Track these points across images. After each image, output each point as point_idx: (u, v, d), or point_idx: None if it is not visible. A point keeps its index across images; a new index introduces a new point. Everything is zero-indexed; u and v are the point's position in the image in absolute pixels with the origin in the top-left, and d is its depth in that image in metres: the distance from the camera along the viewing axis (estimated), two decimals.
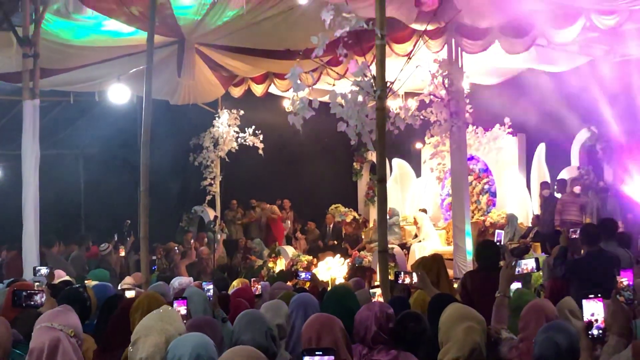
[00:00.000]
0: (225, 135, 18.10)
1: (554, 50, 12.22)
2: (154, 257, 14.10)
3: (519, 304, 4.84)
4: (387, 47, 6.89)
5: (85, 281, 8.06)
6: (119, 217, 16.33)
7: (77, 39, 12.44)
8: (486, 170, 16.09)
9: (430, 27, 10.52)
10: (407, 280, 5.69)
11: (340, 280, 12.87)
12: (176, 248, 14.73)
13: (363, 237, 16.39)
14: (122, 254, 14.14)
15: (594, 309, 3.45)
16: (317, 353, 3.02)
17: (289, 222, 18.81)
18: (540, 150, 15.71)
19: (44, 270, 7.78)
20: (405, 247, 14.90)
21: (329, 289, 7.31)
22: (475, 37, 11.16)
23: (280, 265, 15.47)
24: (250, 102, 17.65)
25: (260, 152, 17.64)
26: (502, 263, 5.84)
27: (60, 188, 17.36)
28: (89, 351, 4.61)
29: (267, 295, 7.12)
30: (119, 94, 14.11)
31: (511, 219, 14.34)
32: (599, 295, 3.48)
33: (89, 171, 20.31)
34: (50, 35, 11.84)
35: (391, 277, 6.60)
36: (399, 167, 17.96)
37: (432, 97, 11.50)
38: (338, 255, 14.44)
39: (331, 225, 17.70)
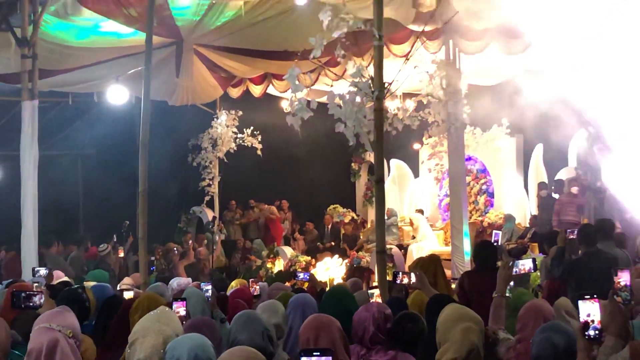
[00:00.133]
0: (223, 136, 18.10)
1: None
2: (153, 258, 14.09)
3: (518, 304, 4.85)
4: (385, 48, 6.91)
5: (84, 282, 8.07)
6: (118, 217, 16.32)
7: (76, 40, 12.44)
8: (484, 170, 16.12)
9: (427, 28, 10.53)
10: (406, 281, 5.71)
11: (338, 280, 12.87)
12: (175, 249, 14.73)
13: (361, 236, 16.40)
14: (121, 254, 14.13)
15: (590, 310, 3.45)
16: (314, 353, 3.01)
17: (287, 222, 18.82)
18: (538, 150, 15.74)
19: (42, 271, 7.79)
20: (403, 247, 14.92)
21: (327, 289, 7.32)
22: (473, 38, 11.17)
23: (279, 265, 15.47)
24: (249, 103, 17.65)
25: (259, 152, 17.65)
26: (499, 263, 5.86)
27: (59, 188, 17.36)
28: (88, 352, 4.62)
29: (266, 296, 7.13)
30: (117, 94, 14.15)
31: (509, 219, 14.37)
32: (595, 295, 3.49)
33: (87, 172, 20.30)
34: (49, 36, 11.83)
35: (389, 278, 6.63)
36: (397, 167, 17.98)
37: (430, 97, 11.49)
38: (336, 256, 14.45)
39: (329, 226, 17.71)
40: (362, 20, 6.28)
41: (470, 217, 14.29)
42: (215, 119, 18.20)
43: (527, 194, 15.52)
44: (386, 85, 6.24)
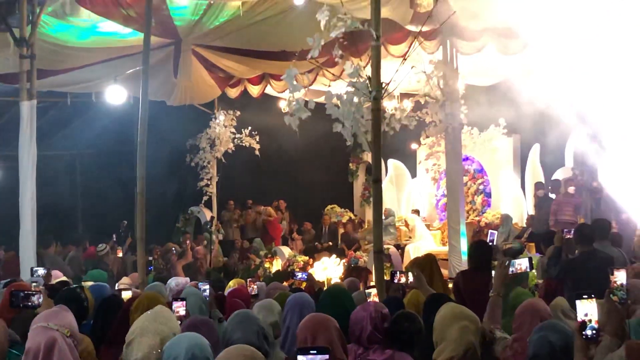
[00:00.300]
0: (221, 136, 18.11)
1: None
2: (151, 258, 14.10)
3: (517, 303, 4.86)
4: (382, 48, 6.92)
5: (82, 282, 8.07)
6: (116, 217, 16.34)
7: (74, 40, 12.44)
8: (481, 170, 16.13)
9: (425, 29, 10.53)
10: (403, 280, 5.74)
11: (336, 280, 12.88)
12: (173, 249, 14.74)
13: (358, 236, 16.42)
14: (120, 254, 14.14)
15: (587, 309, 3.46)
16: (311, 352, 3.03)
17: (285, 222, 18.82)
18: (535, 151, 15.75)
19: (41, 271, 7.76)
20: (400, 247, 14.93)
21: (324, 289, 7.33)
22: (470, 39, 11.18)
23: (277, 265, 15.48)
24: (247, 103, 17.67)
25: (257, 152, 17.66)
26: (495, 263, 5.88)
27: (57, 188, 17.39)
28: (86, 351, 4.63)
29: (264, 296, 7.12)
30: (115, 95, 14.16)
31: (506, 219, 14.39)
32: (593, 295, 3.49)
33: (86, 172, 20.33)
34: (47, 36, 11.84)
35: (387, 277, 6.65)
36: (394, 167, 18.00)
37: (427, 98, 11.50)
38: (334, 256, 14.47)
39: (327, 226, 17.72)
40: (360, 20, 6.29)
41: (468, 217, 14.31)
42: (213, 119, 18.21)
43: (524, 193, 15.54)
44: (384, 85, 6.25)
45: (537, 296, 7.31)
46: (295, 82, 6.25)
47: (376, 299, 5.91)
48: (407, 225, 15.45)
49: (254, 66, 14.96)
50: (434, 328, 4.06)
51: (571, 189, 13.32)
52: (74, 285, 6.15)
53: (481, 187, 16.04)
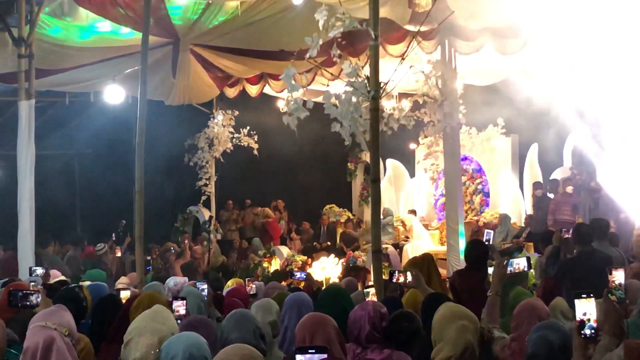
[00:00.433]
0: (220, 136, 18.11)
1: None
2: (149, 258, 14.10)
3: (517, 303, 4.86)
4: (380, 48, 6.92)
5: (81, 281, 8.07)
6: (115, 217, 16.33)
7: (72, 39, 12.44)
8: (479, 170, 16.14)
9: (423, 28, 10.54)
10: (402, 280, 5.73)
11: (334, 280, 12.88)
12: (172, 248, 14.74)
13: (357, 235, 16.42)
14: (119, 254, 14.13)
15: (586, 308, 3.45)
16: (309, 351, 3.03)
17: (284, 222, 18.83)
18: (533, 150, 15.76)
19: (39, 271, 7.78)
20: (398, 247, 14.94)
21: (323, 288, 7.33)
22: (469, 38, 11.19)
23: (275, 265, 15.48)
24: (245, 103, 17.67)
25: (255, 152, 17.66)
26: (492, 262, 5.88)
27: (56, 188, 17.36)
28: (84, 350, 4.63)
29: (262, 295, 7.12)
30: (114, 94, 14.16)
31: (504, 219, 14.40)
32: (591, 294, 3.49)
33: (84, 171, 20.31)
34: (46, 36, 11.85)
35: (385, 277, 6.65)
36: (392, 167, 18.01)
37: (425, 97, 11.50)
38: (332, 255, 14.47)
39: (325, 226, 17.72)
40: (358, 20, 6.29)
41: (466, 217, 14.31)
42: (211, 119, 18.20)
43: (523, 193, 15.55)
44: (382, 85, 6.25)
45: (536, 296, 7.33)
46: (293, 82, 6.26)
47: (374, 299, 5.92)
48: (404, 225, 15.46)
49: (252, 66, 14.95)
50: (432, 327, 4.06)
51: (569, 189, 13.33)
52: (73, 285, 6.14)
53: (479, 186, 16.05)
